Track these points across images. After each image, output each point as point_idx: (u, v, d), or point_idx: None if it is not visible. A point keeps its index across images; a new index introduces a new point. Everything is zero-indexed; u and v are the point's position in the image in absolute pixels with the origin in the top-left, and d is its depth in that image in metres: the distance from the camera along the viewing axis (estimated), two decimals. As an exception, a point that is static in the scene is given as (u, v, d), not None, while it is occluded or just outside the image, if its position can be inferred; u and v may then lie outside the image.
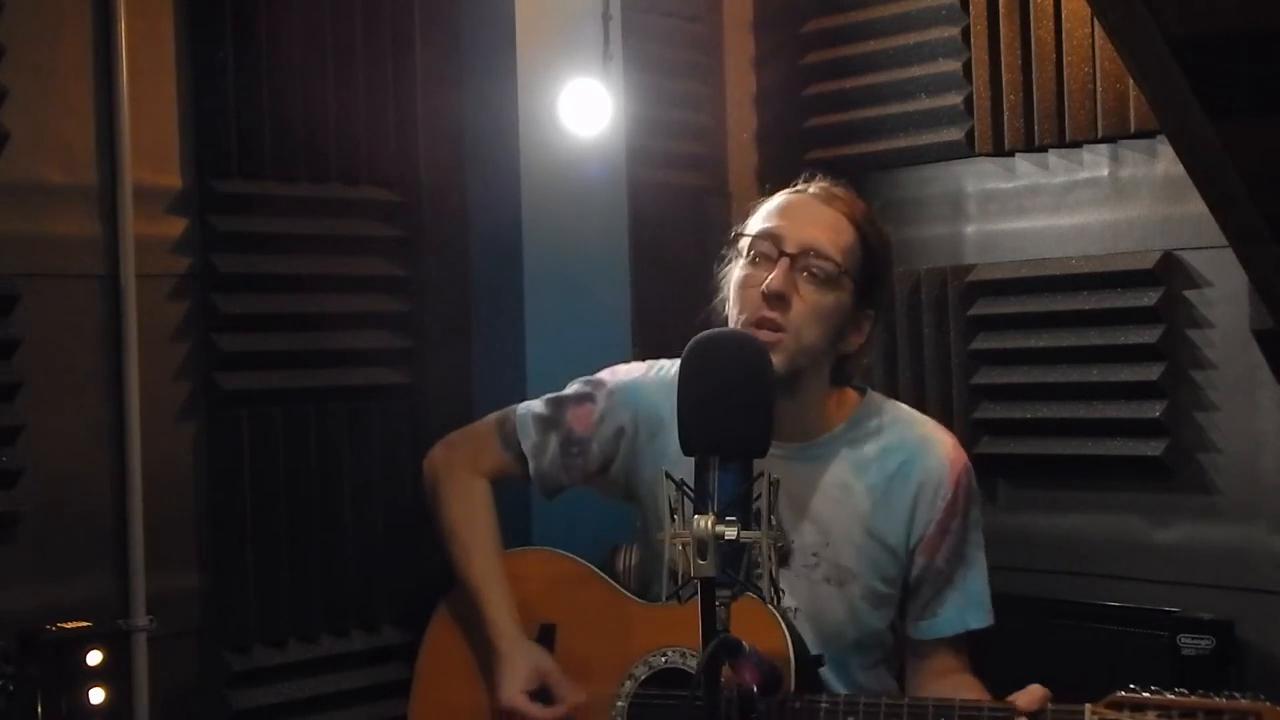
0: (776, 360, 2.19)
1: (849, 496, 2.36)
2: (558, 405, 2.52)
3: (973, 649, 2.41)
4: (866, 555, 2.35)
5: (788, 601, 2.32)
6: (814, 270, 2.29)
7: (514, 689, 2.32)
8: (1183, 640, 2.84)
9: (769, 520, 1.71)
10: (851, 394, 2.43)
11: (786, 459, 2.26)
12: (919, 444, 2.38)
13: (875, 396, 2.45)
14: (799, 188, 2.42)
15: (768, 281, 2.27)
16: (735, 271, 2.37)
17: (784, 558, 2.32)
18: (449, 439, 2.61)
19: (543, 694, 2.33)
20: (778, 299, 2.26)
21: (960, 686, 2.33)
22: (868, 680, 2.39)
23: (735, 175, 3.66)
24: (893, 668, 2.47)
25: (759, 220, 2.37)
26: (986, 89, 3.23)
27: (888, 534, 2.35)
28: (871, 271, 2.36)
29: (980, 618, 2.39)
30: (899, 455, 2.37)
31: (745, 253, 2.35)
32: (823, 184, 2.40)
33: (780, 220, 2.33)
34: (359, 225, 2.94)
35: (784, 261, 2.29)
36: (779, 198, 2.40)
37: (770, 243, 2.31)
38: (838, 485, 2.36)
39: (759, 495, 1.74)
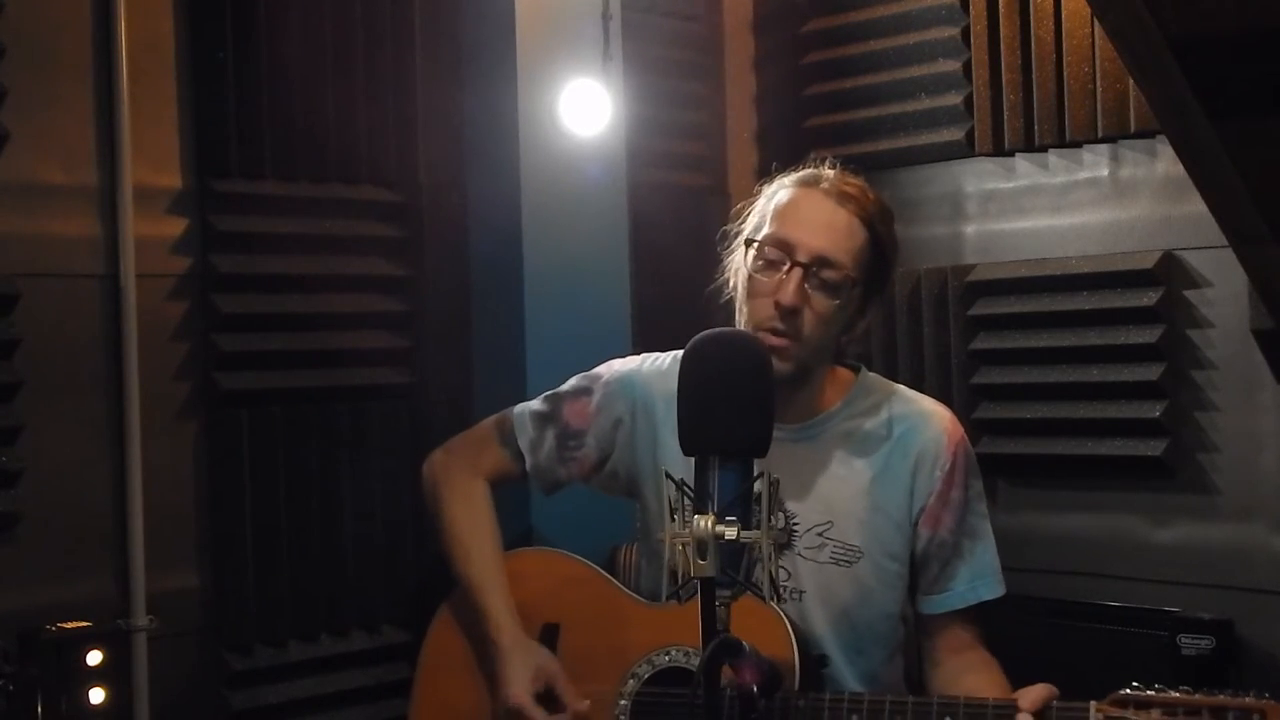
0: (784, 365, 2.23)
1: (850, 473, 2.35)
2: (554, 401, 2.52)
3: (985, 624, 2.41)
4: (872, 531, 2.34)
5: (793, 585, 2.32)
6: (826, 280, 2.26)
7: (519, 689, 2.31)
8: (1183, 640, 2.84)
9: (769, 520, 1.70)
10: (846, 373, 2.43)
11: (785, 440, 2.23)
12: (916, 417, 2.38)
13: (869, 374, 2.45)
14: (807, 175, 2.35)
15: (780, 295, 2.24)
16: (741, 268, 2.32)
17: (788, 541, 2.31)
18: (448, 444, 2.60)
19: (547, 695, 2.33)
20: (791, 313, 2.24)
21: (975, 665, 2.34)
22: (881, 672, 2.38)
23: (735, 175, 3.66)
24: (908, 662, 2.46)
25: (769, 220, 2.31)
26: (986, 89, 3.23)
27: (890, 508, 2.34)
28: (881, 267, 2.34)
29: (992, 588, 2.38)
30: (896, 429, 2.37)
31: (753, 253, 2.29)
32: (834, 177, 2.33)
33: (792, 226, 2.28)
34: (359, 225, 2.94)
35: (796, 273, 2.24)
36: (788, 193, 2.33)
37: (781, 251, 2.26)
38: (837, 463, 2.36)
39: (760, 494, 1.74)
